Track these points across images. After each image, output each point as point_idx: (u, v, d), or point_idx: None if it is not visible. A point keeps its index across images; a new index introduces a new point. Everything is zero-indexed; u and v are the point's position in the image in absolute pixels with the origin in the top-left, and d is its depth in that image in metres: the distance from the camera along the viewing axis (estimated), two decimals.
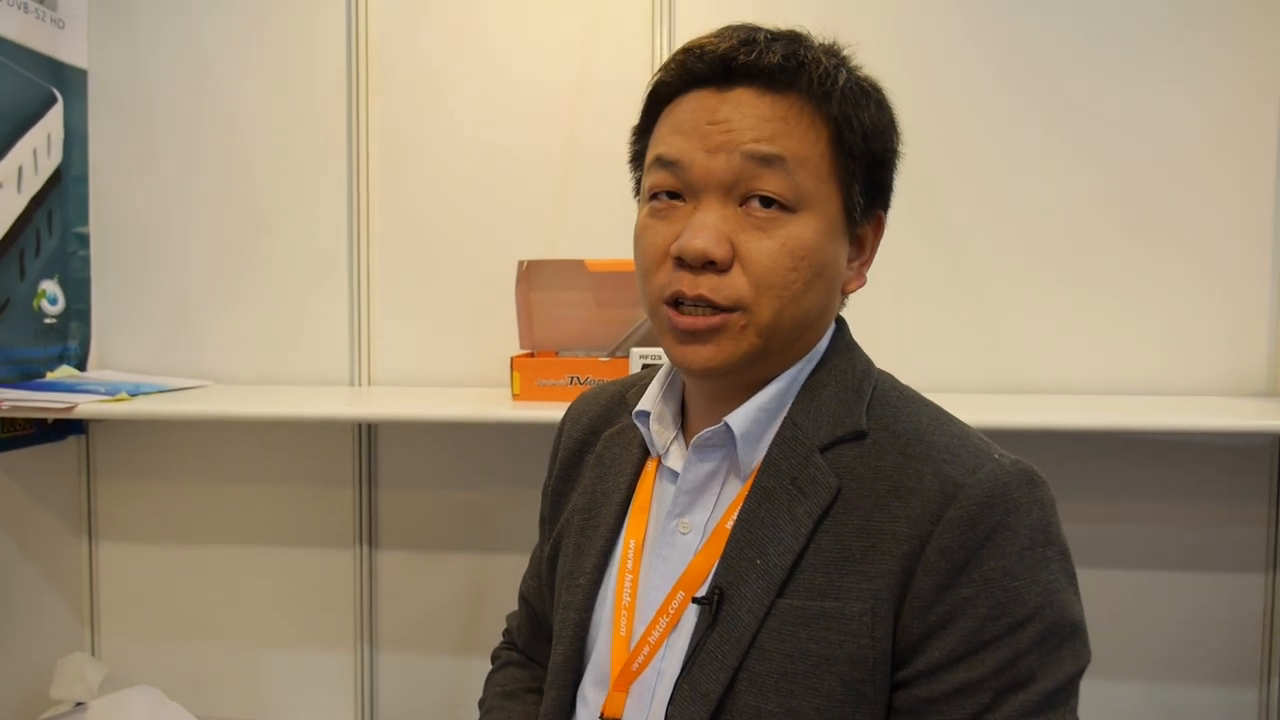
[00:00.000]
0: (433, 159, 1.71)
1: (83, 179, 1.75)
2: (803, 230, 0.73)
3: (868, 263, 0.82)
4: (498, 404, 1.48)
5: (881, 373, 0.83)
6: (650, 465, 0.86)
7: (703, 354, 0.75)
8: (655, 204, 0.77)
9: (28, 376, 1.63)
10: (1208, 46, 1.55)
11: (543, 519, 1.01)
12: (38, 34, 1.62)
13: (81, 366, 1.75)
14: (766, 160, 0.72)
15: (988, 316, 1.62)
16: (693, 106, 0.75)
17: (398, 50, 1.71)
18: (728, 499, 0.79)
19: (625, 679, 0.79)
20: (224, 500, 1.78)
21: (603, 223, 1.64)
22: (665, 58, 0.85)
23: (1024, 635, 0.68)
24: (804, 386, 0.79)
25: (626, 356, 1.45)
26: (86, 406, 1.45)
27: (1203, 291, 1.58)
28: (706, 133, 0.73)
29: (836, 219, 0.76)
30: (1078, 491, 1.58)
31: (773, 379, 0.78)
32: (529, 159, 1.69)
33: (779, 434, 0.77)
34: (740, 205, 0.73)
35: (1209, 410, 1.44)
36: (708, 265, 0.73)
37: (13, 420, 1.58)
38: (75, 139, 1.72)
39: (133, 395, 1.52)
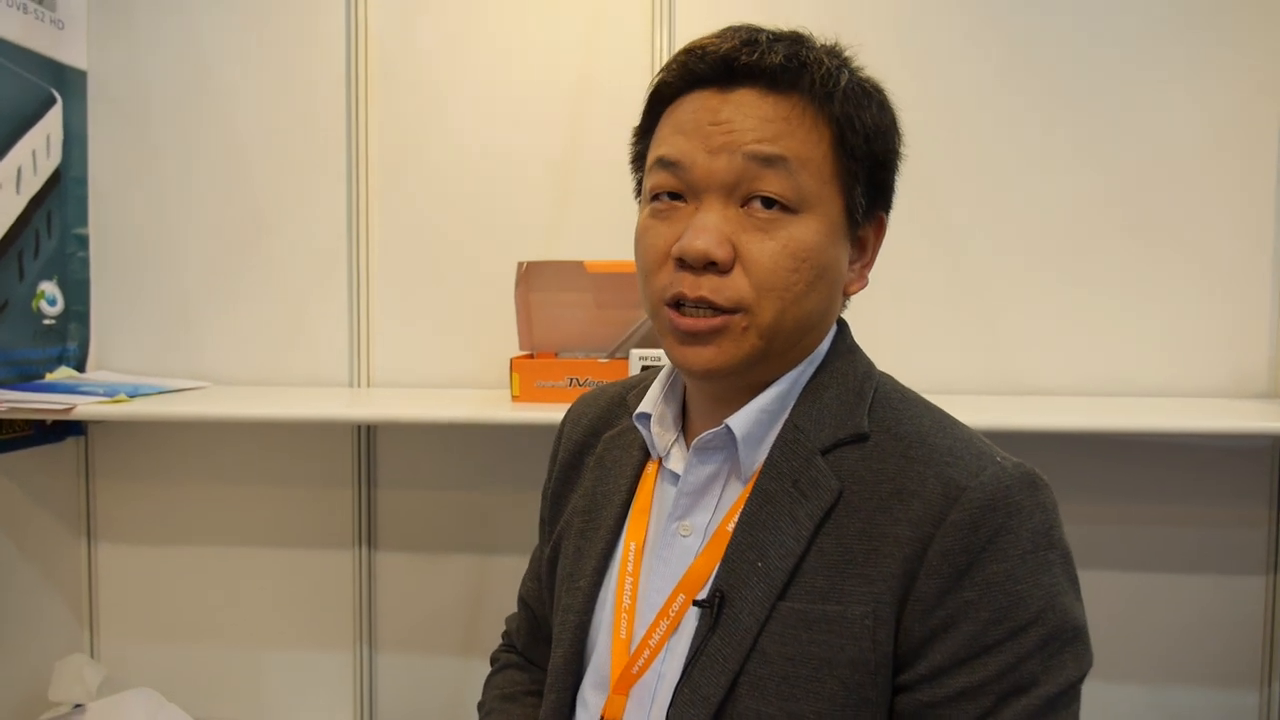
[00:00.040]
0: (432, 159, 1.71)
1: (82, 180, 1.74)
2: (804, 231, 0.73)
3: (869, 264, 0.82)
4: (497, 405, 1.48)
5: (883, 375, 0.83)
6: (651, 467, 0.86)
7: (704, 355, 0.74)
8: (656, 205, 0.76)
9: (27, 378, 1.63)
10: (1208, 46, 1.55)
11: (542, 521, 1.00)
12: (37, 35, 1.62)
13: (80, 368, 1.75)
14: (768, 161, 0.72)
15: (987, 317, 1.62)
16: (694, 107, 0.75)
17: (398, 51, 1.71)
18: (729, 501, 0.78)
19: (625, 682, 0.78)
20: (223, 501, 1.78)
21: (602, 224, 1.64)
22: (665, 58, 0.85)
23: (1026, 639, 0.68)
24: (805, 389, 0.79)
25: (626, 358, 1.45)
26: (85, 408, 1.44)
27: (1203, 292, 1.58)
28: (708, 133, 0.73)
29: (838, 220, 0.75)
30: (1077, 493, 1.58)
31: (774, 381, 0.78)
32: (528, 159, 1.69)
33: (780, 436, 0.77)
34: (742, 206, 0.73)
35: (1209, 412, 1.43)
36: (709, 266, 0.72)
37: (12, 421, 1.58)
38: (74, 140, 1.72)
39: (131, 396, 1.52)
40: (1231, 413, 1.42)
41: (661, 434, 0.84)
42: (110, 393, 1.52)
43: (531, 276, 1.54)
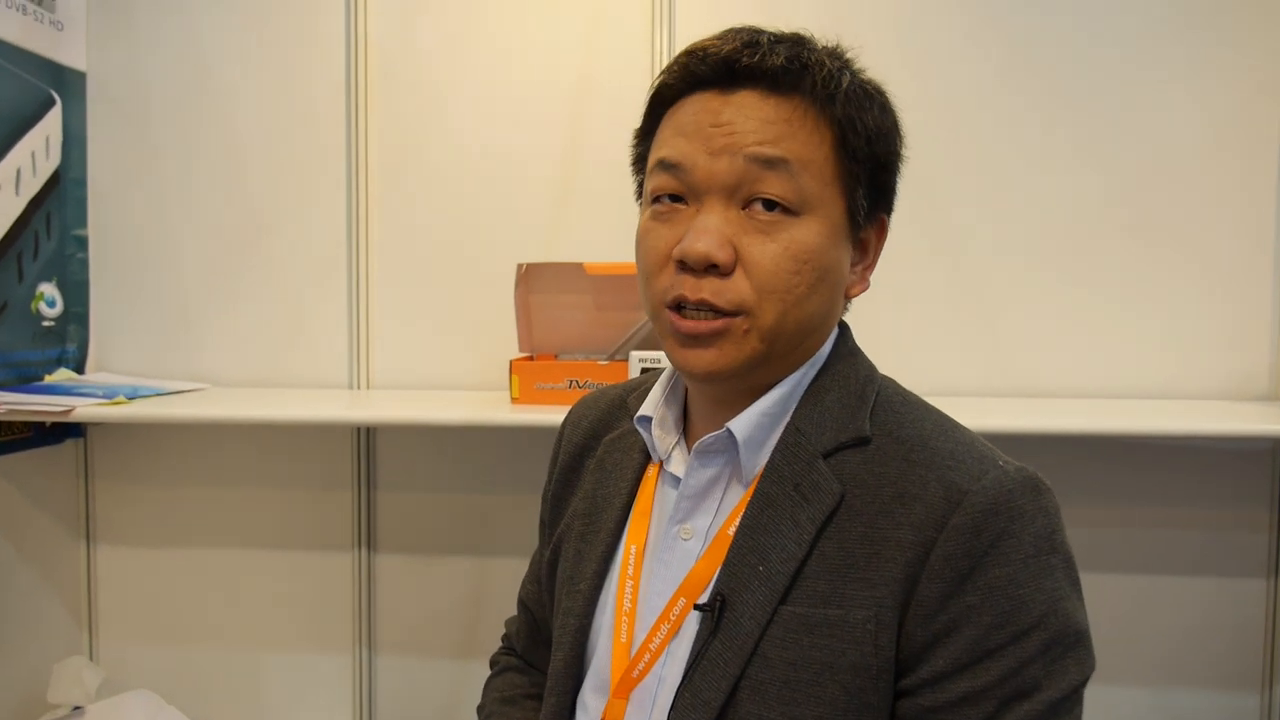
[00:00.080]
0: (432, 160, 1.71)
1: (81, 181, 1.74)
2: (806, 234, 0.73)
3: (871, 266, 0.81)
4: (497, 407, 1.48)
5: (885, 378, 0.82)
6: (651, 470, 0.86)
7: (705, 358, 0.74)
8: (657, 207, 0.76)
9: (26, 379, 1.63)
10: (1208, 46, 1.55)
11: (542, 523, 1.00)
12: (36, 36, 1.61)
13: (80, 369, 1.75)
14: (770, 163, 0.72)
15: (988, 317, 1.62)
16: (696, 109, 0.74)
17: (397, 51, 1.71)
18: (730, 505, 0.78)
19: (626, 686, 0.78)
20: (222, 503, 1.78)
21: (602, 225, 1.63)
22: (666, 59, 0.84)
23: (1028, 644, 0.68)
24: (807, 392, 0.78)
25: (625, 360, 1.45)
26: (84, 410, 1.44)
27: (1203, 293, 1.58)
28: (709, 135, 0.73)
29: (840, 223, 0.75)
30: (1079, 496, 1.58)
31: (775, 384, 0.78)
32: (528, 161, 1.69)
33: (782, 439, 0.77)
34: (743, 208, 0.73)
35: (1211, 415, 1.43)
36: (710, 269, 0.72)
37: (11, 423, 1.58)
38: (74, 141, 1.71)
39: (131, 398, 1.52)
40: (1233, 415, 1.41)
41: (662, 437, 0.84)
42: (109, 394, 1.52)
43: (531, 278, 1.53)
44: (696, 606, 0.75)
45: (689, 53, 0.76)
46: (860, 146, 0.74)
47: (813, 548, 0.73)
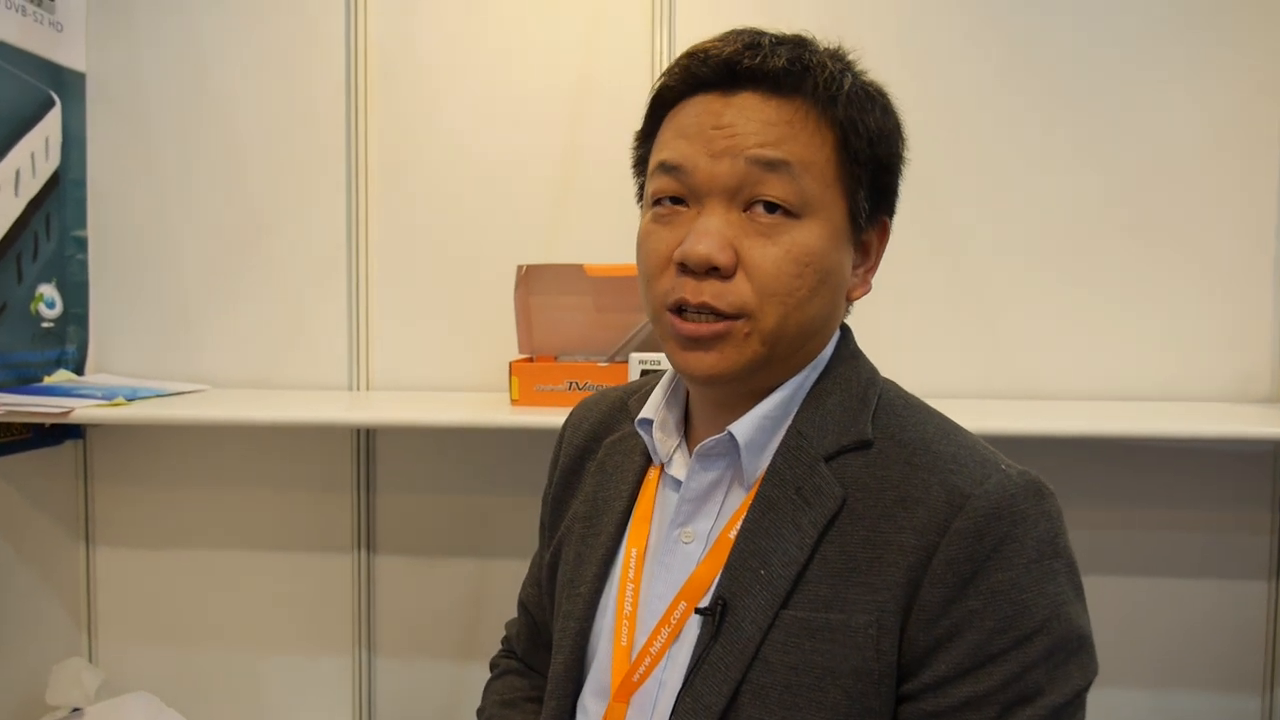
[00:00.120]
0: (432, 162, 1.71)
1: (81, 182, 1.74)
2: (808, 236, 0.72)
3: (872, 269, 0.81)
4: (496, 409, 1.47)
5: (886, 381, 0.82)
6: (652, 473, 0.85)
7: (706, 361, 0.74)
8: (658, 209, 0.76)
9: (25, 380, 1.63)
10: (1208, 46, 1.55)
11: (543, 526, 1.00)
12: (36, 37, 1.61)
13: (79, 370, 1.74)
14: (771, 165, 0.71)
15: (988, 317, 1.62)
16: (697, 111, 0.74)
17: (397, 52, 1.70)
18: (731, 508, 0.78)
19: (626, 690, 0.78)
20: (222, 505, 1.77)
21: (602, 227, 1.63)
22: (666, 60, 0.84)
23: (1031, 648, 0.68)
24: (808, 395, 0.78)
25: (625, 361, 1.45)
26: (83, 411, 1.44)
27: (1204, 293, 1.57)
28: (710, 137, 0.72)
29: (841, 225, 0.75)
30: (1080, 498, 1.58)
31: (777, 387, 0.77)
32: (528, 162, 1.68)
33: (783, 443, 0.77)
34: (744, 210, 0.73)
35: (1212, 417, 1.43)
36: (711, 271, 0.72)
37: (10, 425, 1.58)
38: (73, 142, 1.71)
39: (130, 400, 1.51)
40: (1234, 417, 1.41)
41: (663, 440, 0.84)
42: (109, 396, 1.51)
43: (531, 279, 1.53)
44: (697, 610, 0.75)
45: (690, 54, 0.75)
46: (862, 149, 0.74)
47: (814, 552, 0.72)
